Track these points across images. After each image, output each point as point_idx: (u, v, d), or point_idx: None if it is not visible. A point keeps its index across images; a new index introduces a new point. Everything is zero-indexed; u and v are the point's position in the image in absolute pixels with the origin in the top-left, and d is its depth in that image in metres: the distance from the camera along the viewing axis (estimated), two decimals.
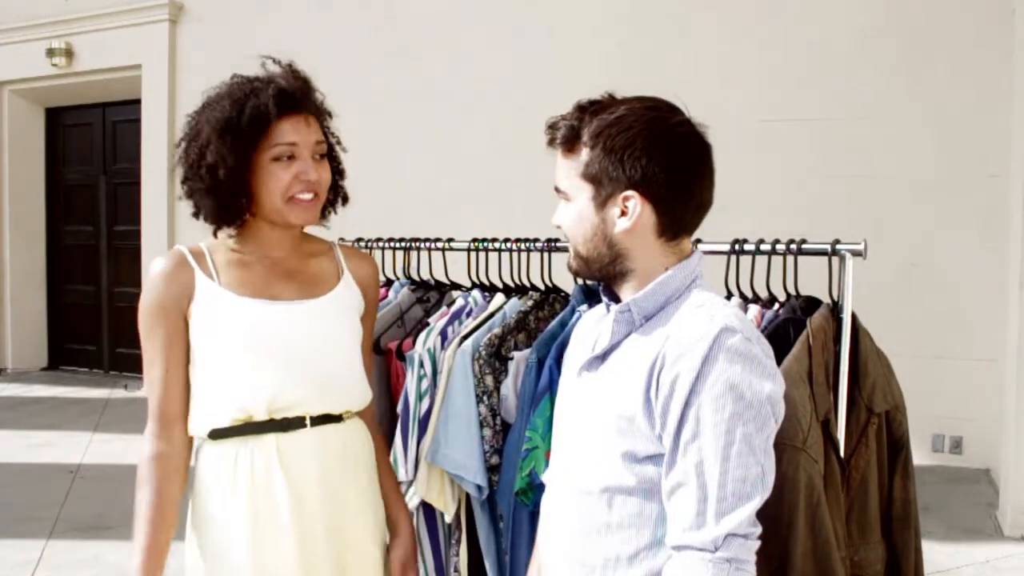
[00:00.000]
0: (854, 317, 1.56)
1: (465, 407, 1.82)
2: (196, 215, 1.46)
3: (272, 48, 1.54)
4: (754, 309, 1.68)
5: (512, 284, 2.09)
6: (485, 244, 2.10)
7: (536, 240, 2.01)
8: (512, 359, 1.84)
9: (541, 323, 1.95)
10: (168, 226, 6.78)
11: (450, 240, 2.19)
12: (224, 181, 1.39)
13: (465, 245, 2.15)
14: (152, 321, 1.42)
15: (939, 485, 4.35)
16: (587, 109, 1.16)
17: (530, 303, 1.98)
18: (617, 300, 1.21)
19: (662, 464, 1.10)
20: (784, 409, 1.12)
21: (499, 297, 2.05)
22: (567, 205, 1.20)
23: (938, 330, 4.67)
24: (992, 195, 4.49)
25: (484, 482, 1.81)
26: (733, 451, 1.04)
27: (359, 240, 2.32)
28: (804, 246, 1.62)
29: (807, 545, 1.39)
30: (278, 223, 1.45)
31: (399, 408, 1.99)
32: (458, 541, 1.95)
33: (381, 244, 2.32)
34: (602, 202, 1.15)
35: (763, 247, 1.66)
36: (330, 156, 1.51)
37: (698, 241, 1.52)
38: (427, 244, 2.24)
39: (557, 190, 1.21)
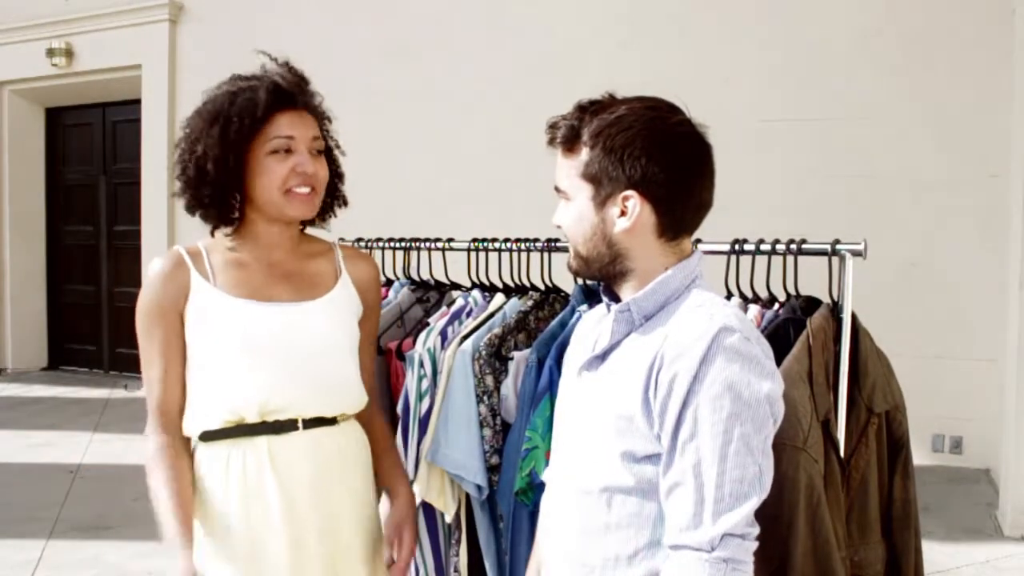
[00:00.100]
0: (854, 317, 1.56)
1: (465, 407, 1.82)
2: (189, 211, 1.46)
3: (272, 48, 1.54)
4: (754, 309, 1.68)
5: (512, 284, 2.09)
6: (485, 244, 2.10)
7: (536, 240, 2.01)
8: (512, 359, 1.84)
9: (541, 323, 1.95)
10: (168, 226, 6.78)
11: (450, 240, 2.19)
12: (212, 172, 1.38)
13: (465, 245, 2.15)
14: (150, 321, 1.42)
15: (939, 485, 4.35)
16: (587, 109, 1.16)
17: (530, 303, 1.98)
18: (617, 300, 1.21)
19: (660, 464, 1.10)
20: (783, 409, 1.12)
21: (499, 297, 2.05)
22: (567, 205, 1.20)
23: (938, 330, 4.67)
24: (992, 195, 4.49)
25: (484, 482, 1.81)
26: (731, 451, 1.04)
27: (359, 240, 2.32)
28: (804, 246, 1.62)
29: (807, 545, 1.39)
30: (276, 218, 1.45)
31: (399, 408, 1.99)
32: (458, 541, 1.95)
33: (381, 244, 2.32)
34: (602, 202, 1.15)
35: (763, 247, 1.66)
36: (329, 159, 1.50)
37: (698, 241, 1.52)
38: (427, 244, 2.24)
39: (557, 190, 1.21)
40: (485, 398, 1.83)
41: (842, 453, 1.50)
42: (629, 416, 1.12)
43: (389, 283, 2.28)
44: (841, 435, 1.51)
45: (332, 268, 1.55)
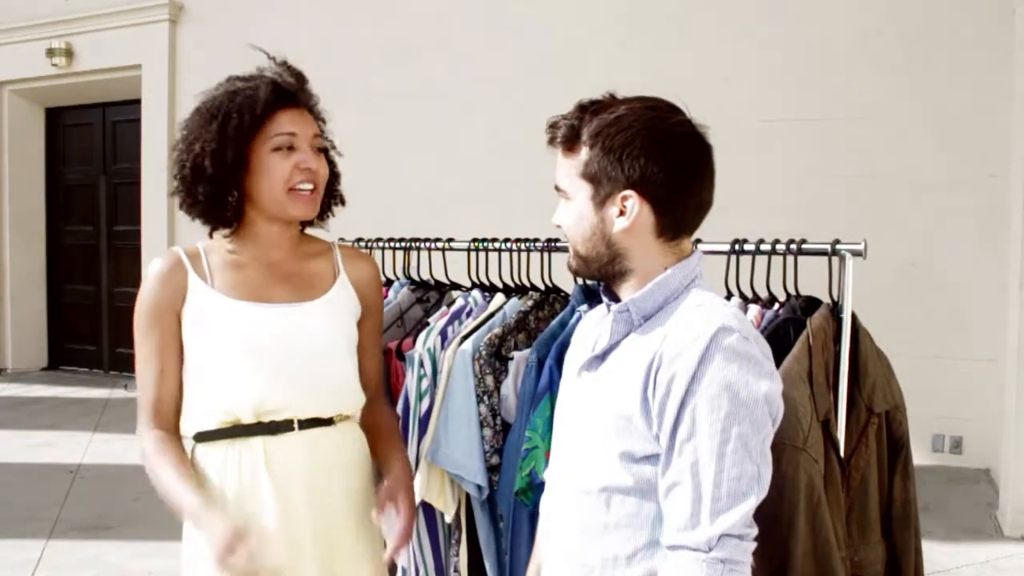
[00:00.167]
0: (854, 317, 1.56)
1: (465, 407, 1.82)
2: (184, 210, 1.45)
3: (272, 48, 1.54)
4: (754, 309, 1.68)
5: (512, 284, 2.09)
6: (485, 244, 2.10)
7: (536, 240, 2.01)
8: (512, 359, 1.84)
9: (541, 323, 1.95)
10: (168, 226, 6.78)
11: (450, 240, 2.19)
12: (209, 169, 1.38)
13: (465, 245, 2.15)
14: (147, 322, 1.42)
15: (939, 485, 4.35)
16: (588, 108, 1.16)
17: (530, 303, 1.98)
18: (617, 300, 1.21)
19: (659, 464, 1.10)
20: (783, 409, 1.12)
21: (499, 297, 2.05)
22: (567, 204, 1.20)
23: (938, 330, 4.67)
24: (992, 195, 4.49)
25: (484, 482, 1.81)
26: (728, 450, 1.04)
27: (359, 240, 2.32)
28: (804, 246, 1.62)
29: (807, 545, 1.39)
30: (278, 217, 1.45)
31: (399, 408, 1.99)
32: (458, 541, 1.95)
33: (381, 244, 2.32)
34: (601, 201, 1.15)
35: (763, 247, 1.66)
36: (326, 158, 1.51)
37: (698, 241, 1.52)
38: (427, 244, 2.24)
39: (557, 189, 1.21)
40: (485, 398, 1.83)
41: (842, 453, 1.50)
42: (628, 416, 1.12)
43: (389, 283, 2.29)
44: (841, 435, 1.51)
45: (330, 268, 1.54)
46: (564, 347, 1.57)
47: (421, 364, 1.93)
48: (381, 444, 1.58)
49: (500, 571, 1.87)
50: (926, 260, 4.70)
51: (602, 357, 1.20)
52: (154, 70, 6.87)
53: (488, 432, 1.82)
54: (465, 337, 1.89)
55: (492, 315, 1.97)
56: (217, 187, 1.40)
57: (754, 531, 1.07)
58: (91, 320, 7.85)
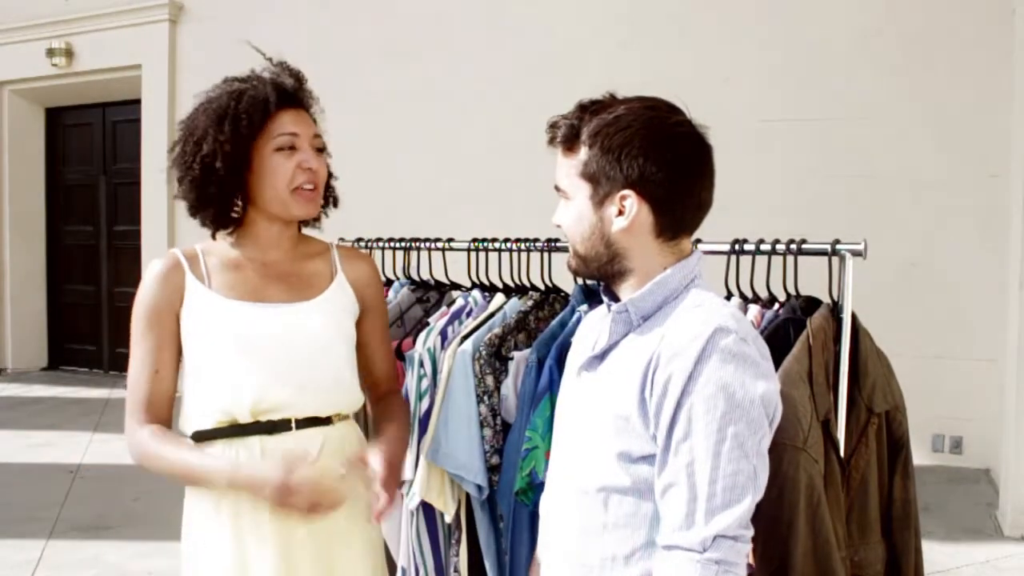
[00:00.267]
0: (854, 317, 1.55)
1: (465, 407, 1.82)
2: (193, 214, 1.46)
3: (272, 47, 1.54)
4: (754, 309, 1.68)
5: (512, 284, 2.09)
6: (485, 244, 2.10)
7: (536, 240, 2.01)
8: (512, 359, 1.84)
9: (541, 323, 1.95)
10: (168, 226, 6.78)
11: (450, 240, 2.19)
12: (219, 172, 1.38)
13: (465, 245, 2.15)
14: (145, 323, 1.43)
15: (939, 485, 4.35)
16: (588, 108, 1.16)
17: (530, 303, 1.98)
18: (617, 300, 1.21)
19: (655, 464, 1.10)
20: (781, 410, 1.12)
21: (499, 297, 2.05)
22: (567, 204, 1.20)
23: (938, 330, 4.67)
24: (992, 195, 4.49)
25: (484, 482, 1.81)
26: (724, 451, 1.04)
27: (359, 240, 2.32)
28: (804, 246, 1.62)
29: (807, 545, 1.39)
30: (279, 217, 1.45)
31: None
32: (458, 541, 1.95)
33: (381, 244, 2.32)
34: (600, 201, 1.15)
35: (763, 247, 1.65)
36: None
37: (698, 241, 1.52)
38: (427, 244, 2.24)
39: (557, 189, 1.21)
40: (485, 398, 1.83)
41: (842, 453, 1.50)
42: (626, 416, 1.12)
43: (389, 283, 2.28)
44: (841, 435, 1.51)
45: (328, 269, 1.55)
46: (564, 347, 1.57)
47: (421, 364, 1.93)
48: (383, 424, 1.57)
49: (500, 571, 1.87)
50: (926, 260, 4.70)
51: (601, 357, 1.20)
52: (154, 70, 6.87)
53: (488, 432, 1.82)
54: (465, 337, 1.89)
55: (492, 315, 1.96)
56: (227, 188, 1.40)
57: (750, 532, 1.07)
58: (91, 320, 7.86)
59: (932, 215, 4.70)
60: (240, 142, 1.38)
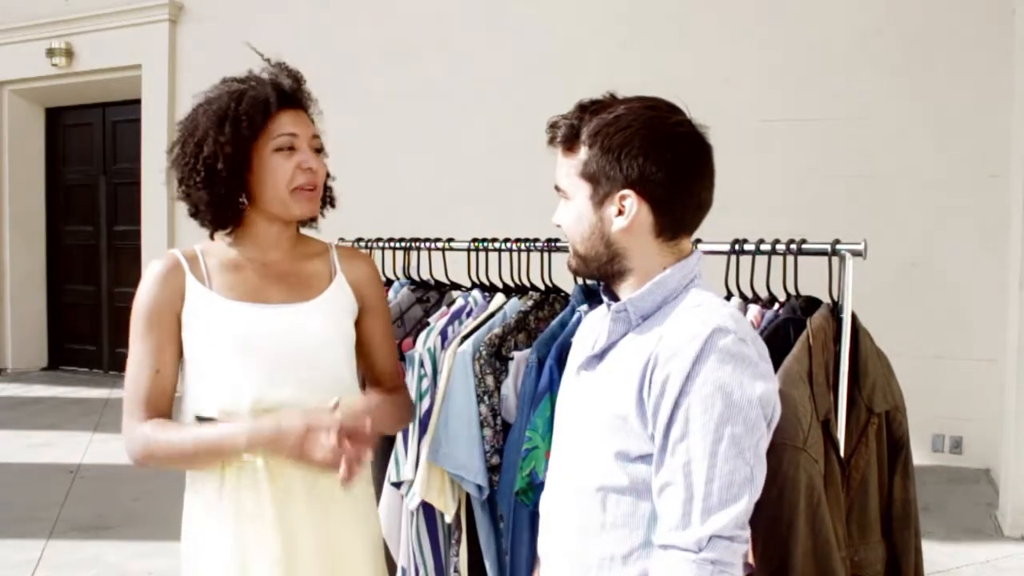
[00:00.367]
0: (854, 317, 1.55)
1: (466, 407, 1.82)
2: (194, 215, 1.46)
3: (272, 48, 1.54)
4: (754, 309, 1.68)
5: (512, 284, 2.09)
6: (485, 244, 2.10)
7: (536, 240, 2.01)
8: (512, 359, 1.84)
9: (541, 323, 1.95)
10: (168, 226, 6.78)
11: (450, 240, 2.19)
12: (221, 173, 1.38)
13: (465, 245, 2.15)
14: (145, 324, 1.43)
15: (939, 485, 4.35)
16: (588, 108, 1.16)
17: (530, 303, 1.98)
18: (617, 300, 1.21)
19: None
20: (779, 411, 1.12)
21: (499, 297, 2.05)
22: (567, 204, 1.20)
23: (938, 330, 4.67)
24: (992, 195, 4.49)
25: (484, 482, 1.81)
26: (720, 451, 1.04)
27: (359, 240, 2.32)
28: (804, 246, 1.62)
29: (807, 545, 1.39)
30: (279, 216, 1.45)
31: None
32: (458, 541, 1.95)
33: (381, 244, 2.32)
34: (600, 201, 1.15)
35: (763, 247, 1.65)
36: None
37: (698, 241, 1.52)
38: (427, 244, 2.24)
39: (557, 189, 1.21)
40: (485, 398, 1.83)
41: (842, 453, 1.50)
42: (624, 416, 1.12)
43: (389, 283, 2.28)
44: (841, 435, 1.51)
45: (327, 269, 1.55)
46: (564, 347, 1.57)
47: (421, 364, 1.93)
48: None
49: (500, 571, 1.87)
50: (926, 260, 4.70)
51: (600, 356, 1.20)
52: (154, 70, 6.87)
53: (488, 432, 1.82)
54: (465, 337, 1.89)
55: (492, 315, 1.96)
56: (229, 189, 1.41)
57: (746, 533, 1.07)
58: (91, 320, 7.86)
59: (932, 215, 4.70)
60: (241, 143, 1.39)
